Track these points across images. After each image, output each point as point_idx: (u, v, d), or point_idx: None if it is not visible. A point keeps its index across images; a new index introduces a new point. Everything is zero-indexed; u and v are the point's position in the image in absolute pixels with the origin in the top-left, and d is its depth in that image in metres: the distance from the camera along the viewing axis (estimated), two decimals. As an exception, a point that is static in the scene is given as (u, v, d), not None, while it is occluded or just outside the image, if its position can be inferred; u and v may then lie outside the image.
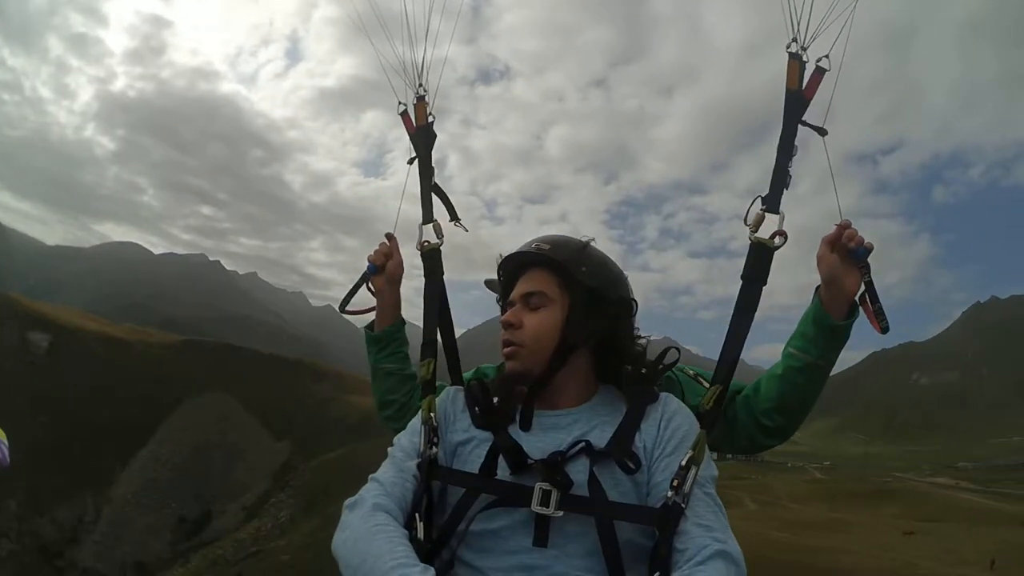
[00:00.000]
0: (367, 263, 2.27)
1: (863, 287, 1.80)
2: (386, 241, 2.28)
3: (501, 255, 1.95)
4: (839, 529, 47.35)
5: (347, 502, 1.59)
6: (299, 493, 78.55)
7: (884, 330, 1.79)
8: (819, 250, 1.84)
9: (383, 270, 2.25)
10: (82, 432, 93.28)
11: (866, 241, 1.77)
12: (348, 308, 2.36)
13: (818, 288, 1.88)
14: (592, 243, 1.87)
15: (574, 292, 1.76)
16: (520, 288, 1.83)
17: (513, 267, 1.91)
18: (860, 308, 1.84)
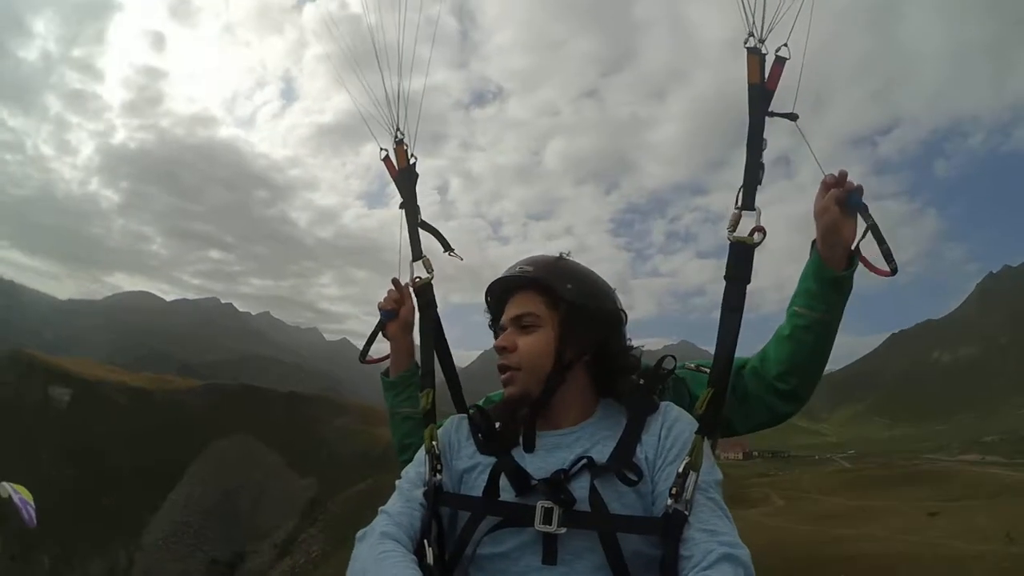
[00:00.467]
0: (379, 311, 2.36)
1: (861, 234, 1.81)
2: (393, 287, 2.36)
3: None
4: (865, 517, 46.92)
5: (358, 534, 1.63)
6: (329, 527, 78.88)
7: (893, 271, 1.78)
8: (817, 203, 1.85)
9: (396, 316, 2.33)
10: (109, 482, 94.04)
11: (856, 183, 1.81)
12: (367, 358, 2.47)
13: (814, 242, 1.90)
14: (567, 256, 1.92)
15: (562, 310, 1.79)
16: (509, 312, 1.87)
17: (500, 292, 1.96)
18: (857, 258, 1.84)
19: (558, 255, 1.91)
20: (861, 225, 1.81)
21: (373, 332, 2.40)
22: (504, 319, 1.88)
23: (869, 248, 1.82)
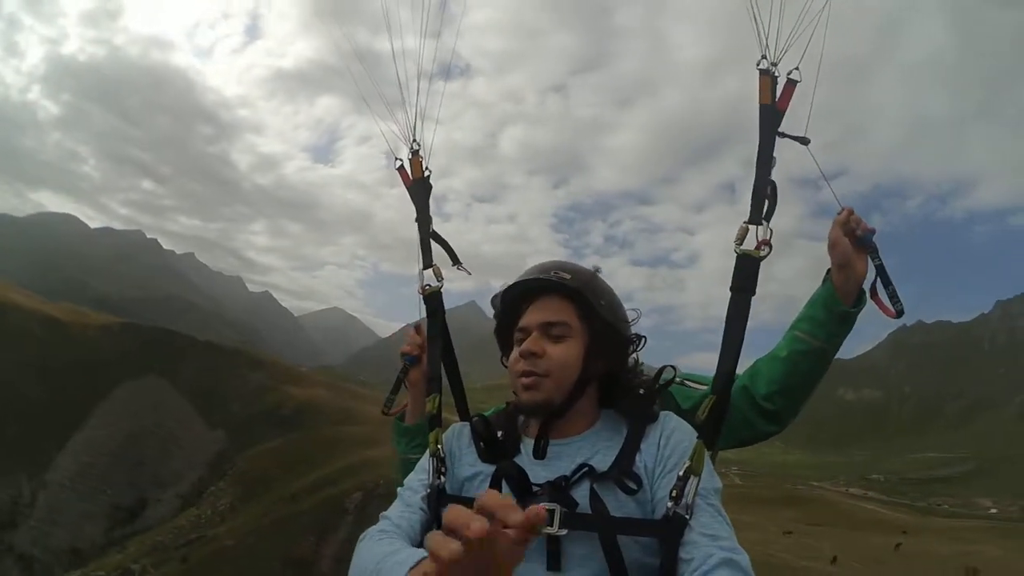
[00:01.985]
0: (402, 357, 2.34)
1: (872, 274, 1.91)
2: (415, 333, 2.35)
3: (505, 284, 1.97)
4: (737, 527, 51.90)
5: (360, 537, 1.65)
6: (237, 482, 79.82)
7: (899, 313, 1.88)
8: (832, 234, 1.91)
9: (419, 362, 2.31)
10: (16, 413, 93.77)
11: (868, 225, 1.89)
12: (391, 410, 2.43)
13: (828, 273, 1.96)
14: (599, 272, 1.90)
15: (595, 325, 1.76)
16: (537, 315, 1.80)
17: (521, 292, 1.89)
18: (867, 296, 1.94)
19: (593, 269, 1.89)
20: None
21: (397, 380, 2.38)
22: (529, 322, 1.81)
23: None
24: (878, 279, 1.93)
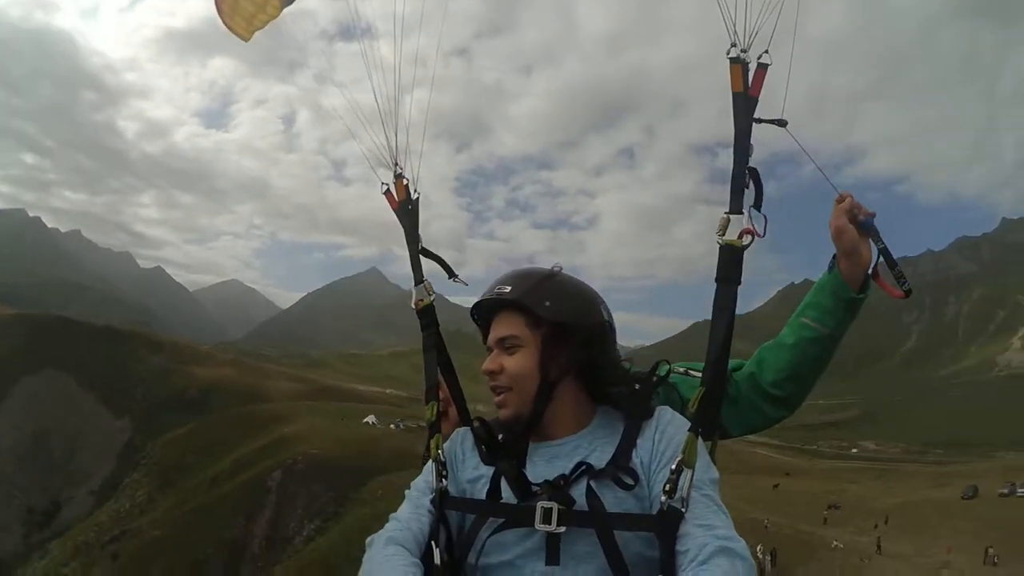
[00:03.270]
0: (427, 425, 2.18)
1: (875, 257, 1.88)
2: (439, 389, 2.24)
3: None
4: None
5: (367, 540, 1.69)
6: (153, 472, 78.89)
7: (908, 293, 1.85)
8: (836, 222, 1.87)
9: (447, 415, 2.22)
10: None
11: (868, 209, 1.86)
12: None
13: (834, 259, 1.93)
14: (558, 271, 1.88)
15: (542, 328, 1.77)
16: (493, 334, 1.85)
17: (484, 313, 1.93)
18: (873, 280, 1.90)
19: (545, 271, 1.88)
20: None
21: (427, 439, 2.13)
22: (490, 341, 1.86)
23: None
24: (879, 261, 1.90)
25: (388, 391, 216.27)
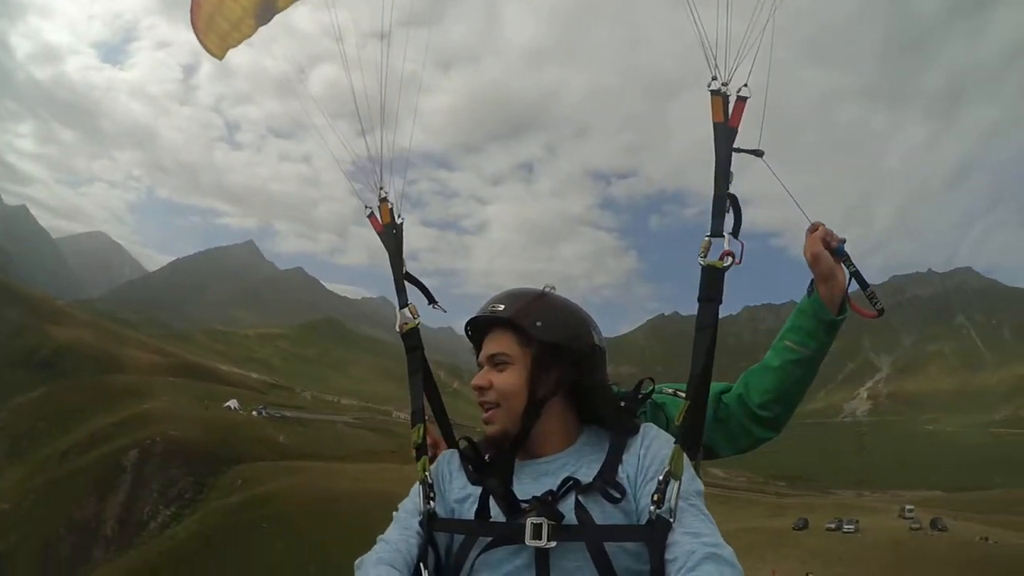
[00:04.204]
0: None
1: (847, 280, 2.00)
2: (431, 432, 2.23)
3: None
4: None
5: (356, 563, 1.68)
6: (2, 439, 73.81)
7: (880, 312, 2.00)
8: (812, 249, 1.98)
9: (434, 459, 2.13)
10: None
11: (839, 235, 2.00)
12: None
13: (812, 284, 2.04)
14: (550, 291, 1.93)
15: (532, 348, 1.81)
16: (485, 350, 1.90)
17: (477, 329, 1.98)
18: (848, 304, 2.02)
19: (538, 291, 1.93)
20: None
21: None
22: (481, 357, 1.91)
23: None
24: (852, 284, 2.00)
25: (253, 375, 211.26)
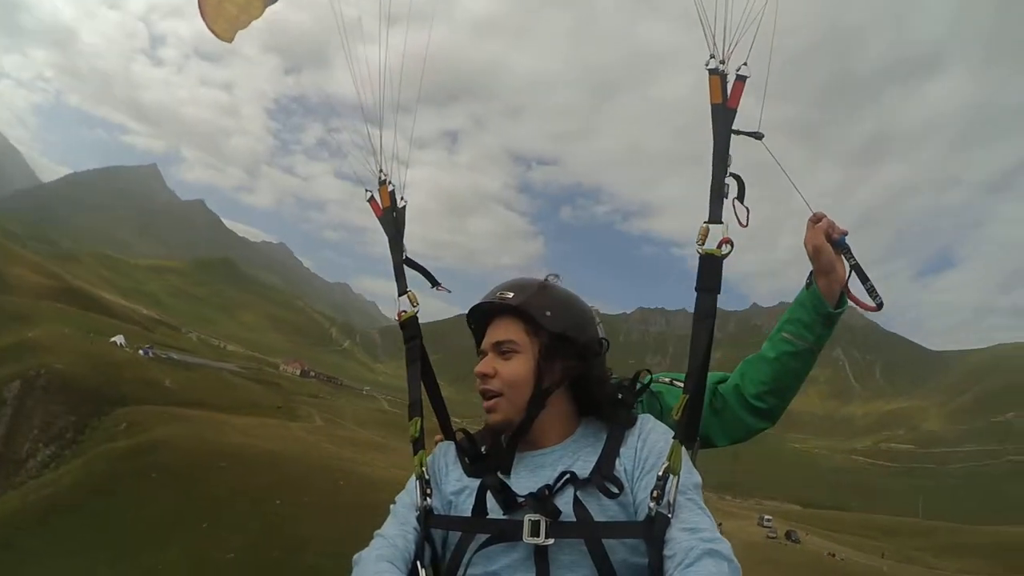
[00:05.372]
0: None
1: (847, 273, 1.93)
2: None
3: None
4: (380, 450, 56.93)
5: (354, 558, 1.66)
6: None
7: (879, 306, 1.90)
8: (814, 241, 1.93)
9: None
10: None
11: (841, 227, 1.93)
12: None
13: (811, 276, 2.00)
14: (554, 280, 1.93)
15: (541, 337, 1.79)
16: (490, 337, 1.87)
17: (482, 316, 1.95)
18: (847, 297, 1.96)
19: (543, 280, 1.92)
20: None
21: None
22: (485, 344, 1.89)
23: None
24: (852, 277, 1.95)
25: (141, 309, 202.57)
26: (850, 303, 1.98)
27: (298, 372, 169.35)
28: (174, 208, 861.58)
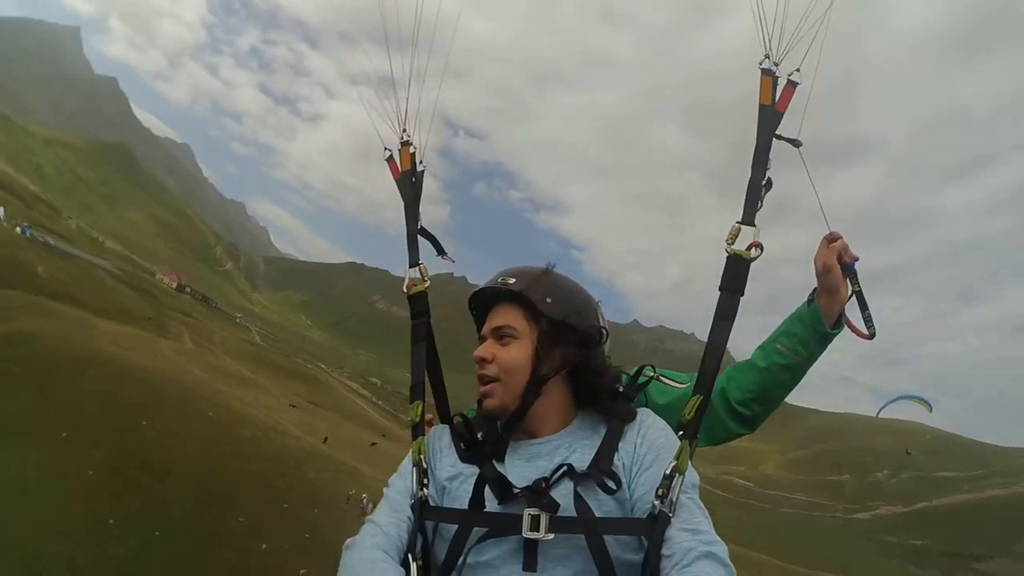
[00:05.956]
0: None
1: (847, 298, 1.95)
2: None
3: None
4: (249, 386, 55.46)
5: (346, 543, 1.65)
6: None
7: (872, 335, 1.93)
8: (826, 260, 1.92)
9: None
10: None
11: (854, 253, 1.94)
12: None
13: (813, 293, 1.99)
14: (553, 268, 1.89)
15: (541, 324, 1.79)
16: (489, 323, 1.87)
17: (483, 302, 1.94)
18: (844, 320, 1.98)
19: (544, 268, 1.90)
20: None
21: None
22: (485, 329, 1.88)
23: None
24: (852, 300, 1.97)
25: (28, 184, 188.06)
26: (845, 327, 2.00)
27: (174, 285, 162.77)
28: (84, 80, 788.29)
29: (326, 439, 41.68)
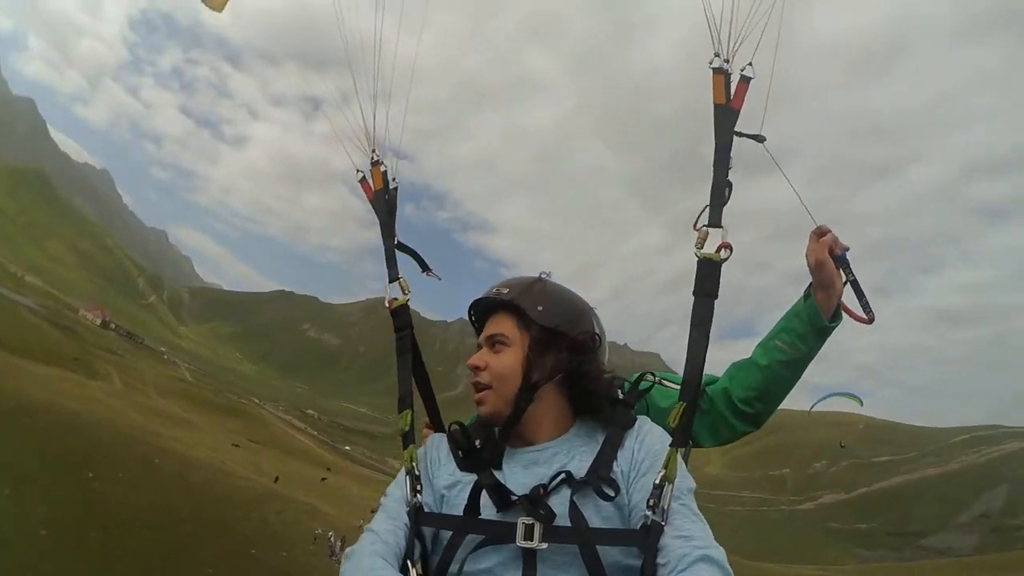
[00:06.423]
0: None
1: (842, 287, 1.95)
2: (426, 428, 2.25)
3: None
4: (186, 426, 53.55)
5: (347, 551, 1.67)
6: None
7: (871, 320, 1.93)
8: (817, 255, 1.91)
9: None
10: None
11: (843, 243, 1.94)
12: None
13: (809, 288, 2.00)
14: (547, 276, 1.93)
15: (532, 331, 1.79)
16: (484, 332, 1.89)
17: (480, 312, 1.96)
18: (841, 310, 1.98)
19: (537, 276, 1.93)
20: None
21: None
22: (480, 338, 1.91)
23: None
24: (847, 289, 1.98)
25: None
26: (844, 316, 2.01)
27: (99, 322, 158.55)
28: (1, 101, 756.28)
29: (277, 478, 40.67)
